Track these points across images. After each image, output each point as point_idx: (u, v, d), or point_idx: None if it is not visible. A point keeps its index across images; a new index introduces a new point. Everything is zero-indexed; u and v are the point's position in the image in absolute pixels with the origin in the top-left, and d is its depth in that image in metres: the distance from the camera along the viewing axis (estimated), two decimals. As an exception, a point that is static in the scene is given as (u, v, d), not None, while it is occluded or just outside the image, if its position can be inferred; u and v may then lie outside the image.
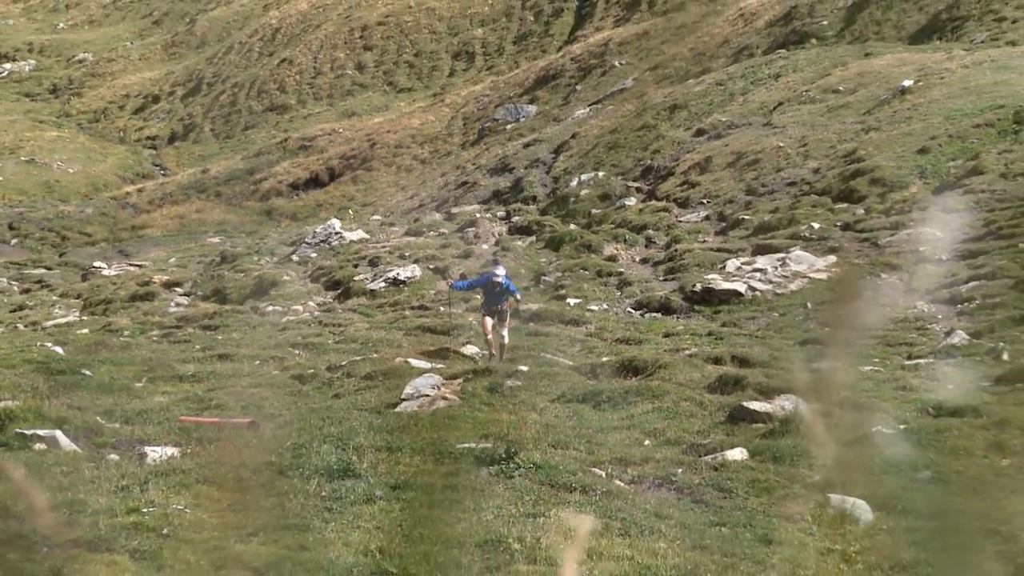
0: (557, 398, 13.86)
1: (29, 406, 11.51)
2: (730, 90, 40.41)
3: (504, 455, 10.12)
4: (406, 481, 9.17)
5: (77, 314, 27.80)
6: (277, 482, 9.06)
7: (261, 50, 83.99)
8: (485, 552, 7.66)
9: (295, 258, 31.16)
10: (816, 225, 25.55)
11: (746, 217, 28.26)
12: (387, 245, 30.69)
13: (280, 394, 14.42)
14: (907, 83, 32.82)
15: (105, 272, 36.42)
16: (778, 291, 22.01)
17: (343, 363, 16.52)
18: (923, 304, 19.42)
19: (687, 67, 50.35)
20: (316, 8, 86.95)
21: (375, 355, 17.18)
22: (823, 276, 22.14)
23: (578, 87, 58.02)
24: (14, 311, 29.92)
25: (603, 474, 10.33)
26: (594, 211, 32.61)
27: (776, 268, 23.15)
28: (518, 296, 17.59)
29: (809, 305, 20.61)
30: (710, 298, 22.30)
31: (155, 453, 10.19)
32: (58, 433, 10.56)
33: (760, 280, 22.62)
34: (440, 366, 15.48)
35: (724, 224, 28.83)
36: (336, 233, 32.15)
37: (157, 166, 73.12)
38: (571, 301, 23.03)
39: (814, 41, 47.01)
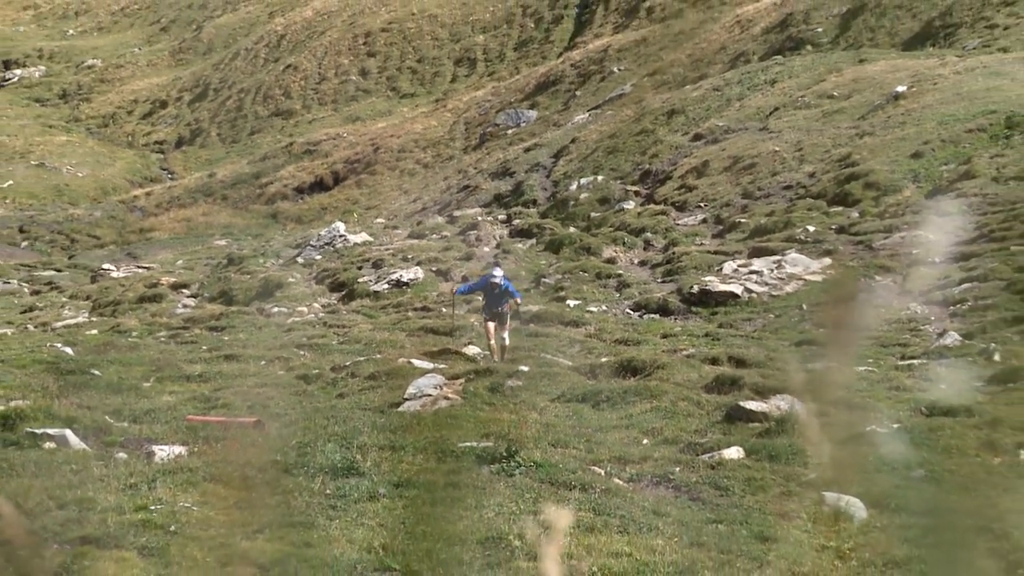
0: (557, 398, 13.92)
1: (39, 406, 11.60)
2: (727, 95, 40.45)
3: (505, 454, 10.20)
4: (409, 479, 9.24)
5: (86, 315, 27.81)
6: (282, 480, 9.13)
7: (267, 56, 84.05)
8: (486, 549, 7.72)
9: (300, 260, 31.21)
10: (811, 228, 25.62)
11: (743, 220, 28.32)
12: (390, 248, 30.75)
13: (285, 394, 14.45)
14: (901, 89, 32.91)
15: (114, 274, 36.43)
16: (774, 293, 22.11)
17: (347, 363, 16.57)
18: (916, 306, 19.49)
19: (685, 73, 50.43)
20: (321, 15, 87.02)
21: (378, 355, 17.20)
22: (818, 278, 22.22)
23: (578, 93, 58.12)
24: (24, 312, 29.90)
25: (602, 472, 10.41)
26: (593, 214, 32.73)
27: (772, 270, 23.26)
28: (519, 299, 17.72)
29: (804, 307, 20.65)
30: (707, 300, 22.37)
31: (163, 452, 10.26)
32: (68, 432, 10.64)
33: (756, 282, 22.72)
34: (442, 366, 15.49)
35: (721, 227, 28.90)
36: (340, 236, 32.23)
37: (165, 170, 73.23)
38: (571, 302, 23.11)
39: (809, 47, 47.10)
